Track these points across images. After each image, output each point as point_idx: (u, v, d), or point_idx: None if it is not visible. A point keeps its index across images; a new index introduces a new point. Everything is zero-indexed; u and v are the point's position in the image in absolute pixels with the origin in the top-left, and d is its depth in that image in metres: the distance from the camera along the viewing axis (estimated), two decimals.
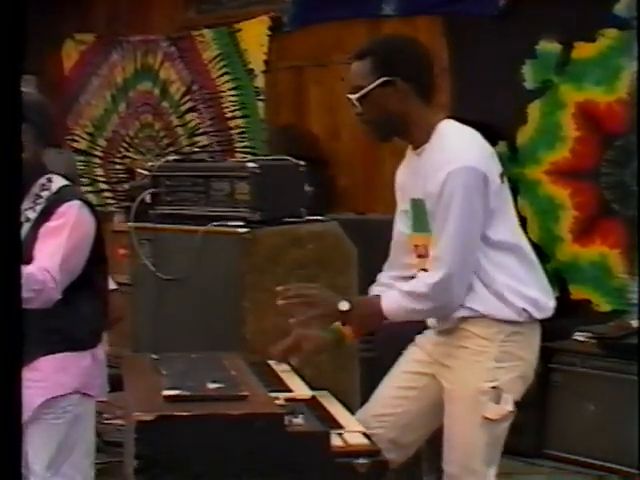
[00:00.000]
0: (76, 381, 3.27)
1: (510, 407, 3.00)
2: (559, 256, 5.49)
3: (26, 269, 3.03)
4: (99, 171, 8.05)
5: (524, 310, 2.99)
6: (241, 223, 3.81)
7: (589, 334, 5.17)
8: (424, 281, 2.96)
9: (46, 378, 3.20)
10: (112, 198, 7.87)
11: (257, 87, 6.96)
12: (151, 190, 4.16)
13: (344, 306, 3.01)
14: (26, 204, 3.21)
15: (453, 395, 3.03)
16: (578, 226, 5.47)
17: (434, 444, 3.21)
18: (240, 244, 3.78)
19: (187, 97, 7.41)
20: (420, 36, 5.30)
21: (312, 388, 2.98)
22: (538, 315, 3.03)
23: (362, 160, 6.32)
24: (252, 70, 6.97)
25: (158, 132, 7.65)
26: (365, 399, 3.28)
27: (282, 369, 3.14)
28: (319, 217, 4.11)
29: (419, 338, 3.20)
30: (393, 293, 3.00)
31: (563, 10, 5.34)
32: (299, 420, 2.57)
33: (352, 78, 3.06)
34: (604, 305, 5.37)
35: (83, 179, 7.98)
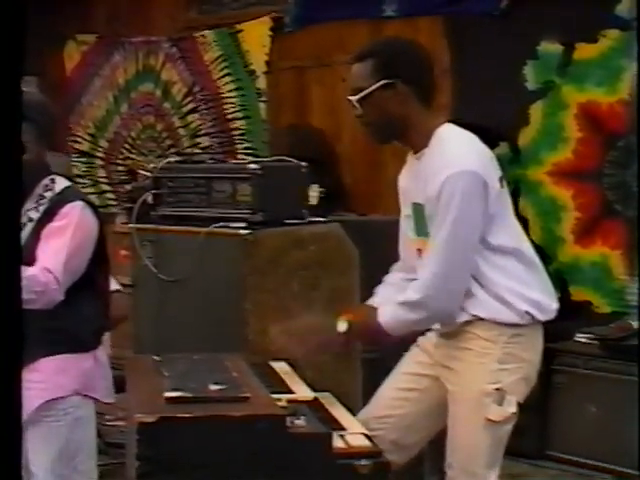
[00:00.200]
0: (77, 383, 3.26)
1: (513, 409, 3.00)
2: (561, 257, 5.48)
3: (28, 271, 3.03)
4: (101, 172, 8.05)
5: (527, 312, 2.98)
6: (243, 224, 3.81)
7: (591, 335, 5.16)
8: (415, 288, 2.96)
9: (46, 379, 3.20)
10: (114, 199, 7.86)
11: (259, 88, 6.96)
12: (153, 191, 4.16)
13: (342, 327, 3.01)
14: (29, 205, 3.21)
15: (456, 397, 3.03)
16: (580, 227, 5.46)
17: (436, 445, 3.21)
18: (242, 245, 3.77)
19: (189, 98, 7.41)
20: (421, 37, 5.31)
21: (314, 389, 2.98)
22: (541, 317, 3.03)
23: (364, 161, 6.31)
24: (254, 71, 6.97)
25: (160, 133, 7.65)
26: (367, 401, 3.28)
27: (284, 370, 3.14)
28: (321, 218, 4.11)
29: (421, 339, 3.20)
30: (388, 307, 3.00)
31: (564, 11, 5.33)
32: (301, 422, 2.57)
33: (352, 80, 3.06)
34: (604, 307, 5.37)
35: (85, 180, 7.98)
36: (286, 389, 2.95)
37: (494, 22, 5.65)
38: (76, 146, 8.10)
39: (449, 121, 3.07)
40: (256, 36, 6.92)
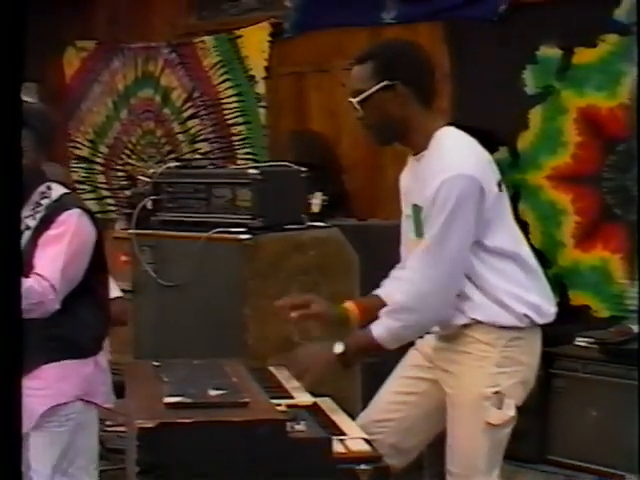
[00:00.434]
0: (78, 388, 3.27)
1: (512, 412, 3.00)
2: (561, 261, 5.48)
3: (25, 282, 3.02)
4: (101, 178, 8.05)
5: (525, 316, 2.99)
6: (243, 229, 3.81)
7: (591, 339, 5.16)
8: (403, 291, 2.96)
9: (48, 386, 3.20)
10: (114, 205, 7.86)
11: (258, 93, 6.96)
12: (152, 197, 4.17)
13: (339, 349, 3.01)
14: (26, 212, 3.21)
15: (455, 400, 3.03)
16: (580, 231, 5.46)
17: (435, 449, 3.21)
18: (242, 250, 3.78)
19: (188, 104, 7.41)
20: (421, 42, 5.27)
21: (314, 394, 2.98)
22: (539, 320, 3.03)
23: (363, 166, 6.31)
24: (253, 76, 6.97)
25: (160, 139, 7.65)
26: (367, 405, 3.28)
27: (284, 375, 3.14)
28: (320, 223, 4.12)
29: (419, 342, 3.20)
30: (379, 320, 3.00)
31: (563, 15, 5.34)
32: (301, 426, 2.57)
33: (353, 82, 3.07)
34: (602, 311, 5.36)
35: (85, 186, 7.99)
36: (286, 394, 2.96)
37: (493, 27, 5.65)
38: (76, 152, 8.10)
39: (449, 124, 3.08)
40: (255, 42, 6.92)
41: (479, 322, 2.98)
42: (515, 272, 3.00)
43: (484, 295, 2.97)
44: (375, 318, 3.01)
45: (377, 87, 3.00)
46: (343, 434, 2.66)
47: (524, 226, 4.88)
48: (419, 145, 3.03)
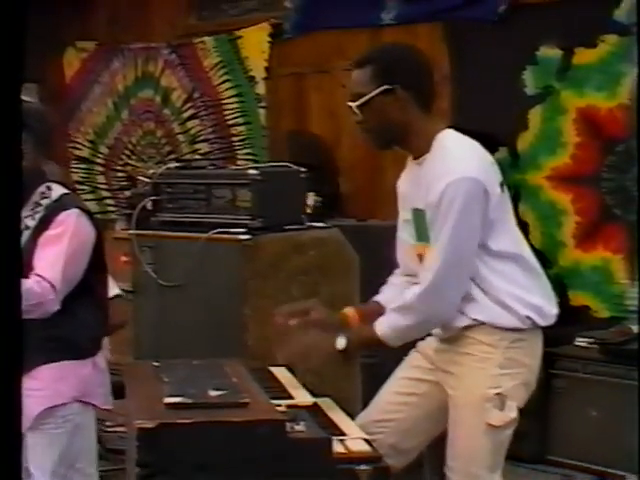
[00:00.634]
0: (75, 390, 3.26)
1: (514, 414, 3.00)
2: (561, 262, 5.49)
3: (25, 283, 3.01)
4: (101, 178, 8.05)
5: (527, 317, 2.99)
6: (242, 230, 3.81)
7: (591, 340, 5.16)
8: (413, 293, 2.97)
9: (45, 387, 3.19)
10: (114, 205, 7.86)
11: (258, 94, 6.97)
12: (152, 197, 4.17)
13: (341, 344, 3.01)
14: (25, 212, 3.21)
15: (457, 402, 3.03)
16: (580, 231, 5.46)
17: (436, 450, 3.21)
18: (241, 251, 3.78)
19: (188, 104, 7.41)
20: (420, 43, 5.30)
21: (314, 395, 2.98)
22: (541, 322, 3.03)
23: (363, 166, 6.32)
24: (253, 77, 6.98)
25: (160, 139, 7.65)
26: (367, 405, 3.28)
27: (284, 376, 3.14)
28: (320, 224, 4.12)
29: (421, 344, 3.20)
30: (384, 317, 3.00)
31: (563, 16, 5.34)
32: (301, 427, 2.57)
33: (352, 86, 3.06)
34: (603, 311, 5.37)
35: (85, 186, 7.99)
36: (286, 394, 2.96)
37: (493, 28, 5.66)
38: (76, 152, 8.10)
39: (449, 127, 3.08)
40: (255, 42, 6.92)
41: (481, 323, 2.98)
42: (517, 273, 3.00)
43: (486, 296, 2.97)
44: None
45: (376, 91, 2.99)
46: (343, 434, 2.66)
47: (524, 226, 4.89)
48: (419, 149, 3.03)
